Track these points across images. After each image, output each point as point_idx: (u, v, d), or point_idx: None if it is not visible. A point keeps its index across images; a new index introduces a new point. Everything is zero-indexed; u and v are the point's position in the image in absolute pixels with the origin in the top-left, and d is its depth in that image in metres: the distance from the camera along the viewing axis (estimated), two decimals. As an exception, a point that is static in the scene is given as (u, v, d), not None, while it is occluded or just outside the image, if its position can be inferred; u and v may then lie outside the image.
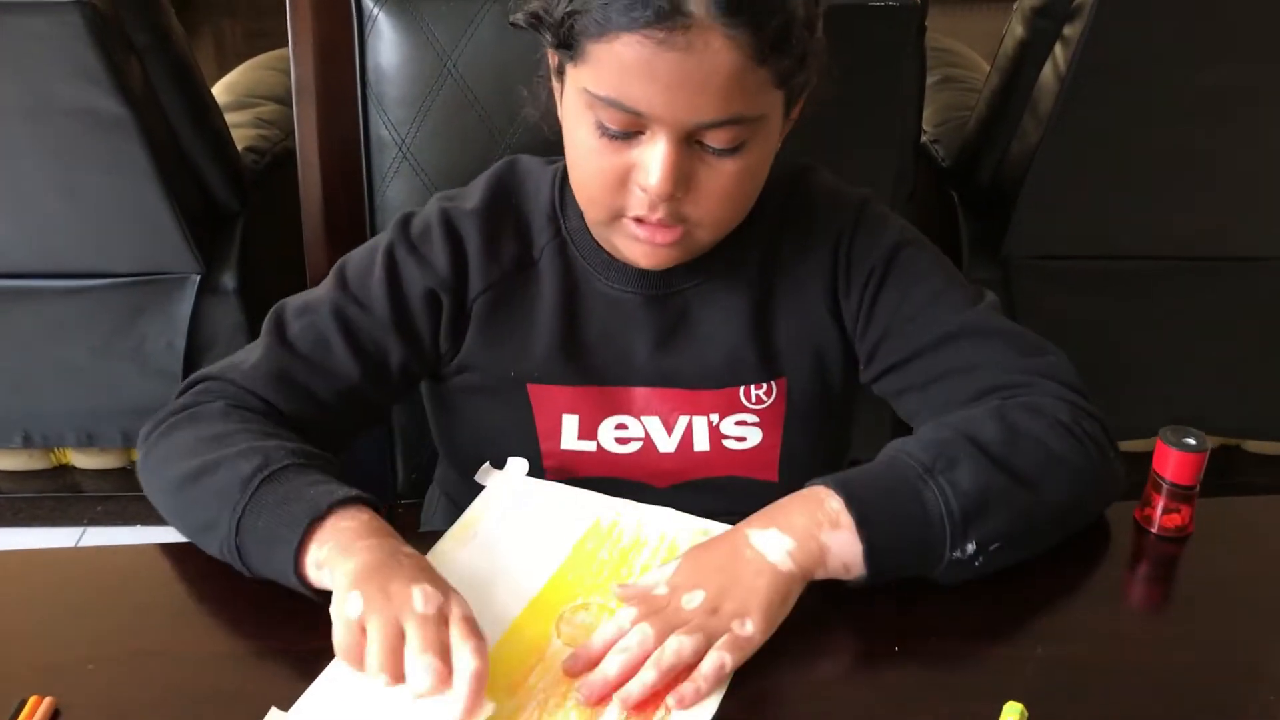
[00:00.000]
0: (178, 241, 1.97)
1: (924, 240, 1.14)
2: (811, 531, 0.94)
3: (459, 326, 1.13)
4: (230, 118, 2.11)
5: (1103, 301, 2.10)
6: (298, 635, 0.91)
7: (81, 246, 1.97)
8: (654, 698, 0.87)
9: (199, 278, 2.02)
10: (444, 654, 0.83)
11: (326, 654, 0.88)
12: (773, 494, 0.98)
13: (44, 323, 2.05)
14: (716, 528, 1.01)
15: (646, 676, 0.87)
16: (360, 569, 0.87)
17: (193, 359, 2.06)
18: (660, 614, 0.91)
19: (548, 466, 1.16)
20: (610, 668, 0.87)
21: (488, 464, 1.11)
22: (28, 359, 2.09)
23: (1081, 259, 2.07)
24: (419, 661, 0.82)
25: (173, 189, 1.89)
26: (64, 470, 2.39)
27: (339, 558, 0.89)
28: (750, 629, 0.90)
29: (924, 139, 2.21)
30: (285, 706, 0.86)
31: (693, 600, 0.92)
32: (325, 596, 0.90)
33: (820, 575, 0.94)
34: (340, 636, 0.85)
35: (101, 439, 2.17)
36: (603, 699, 0.87)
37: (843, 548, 0.93)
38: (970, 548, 0.94)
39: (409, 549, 0.92)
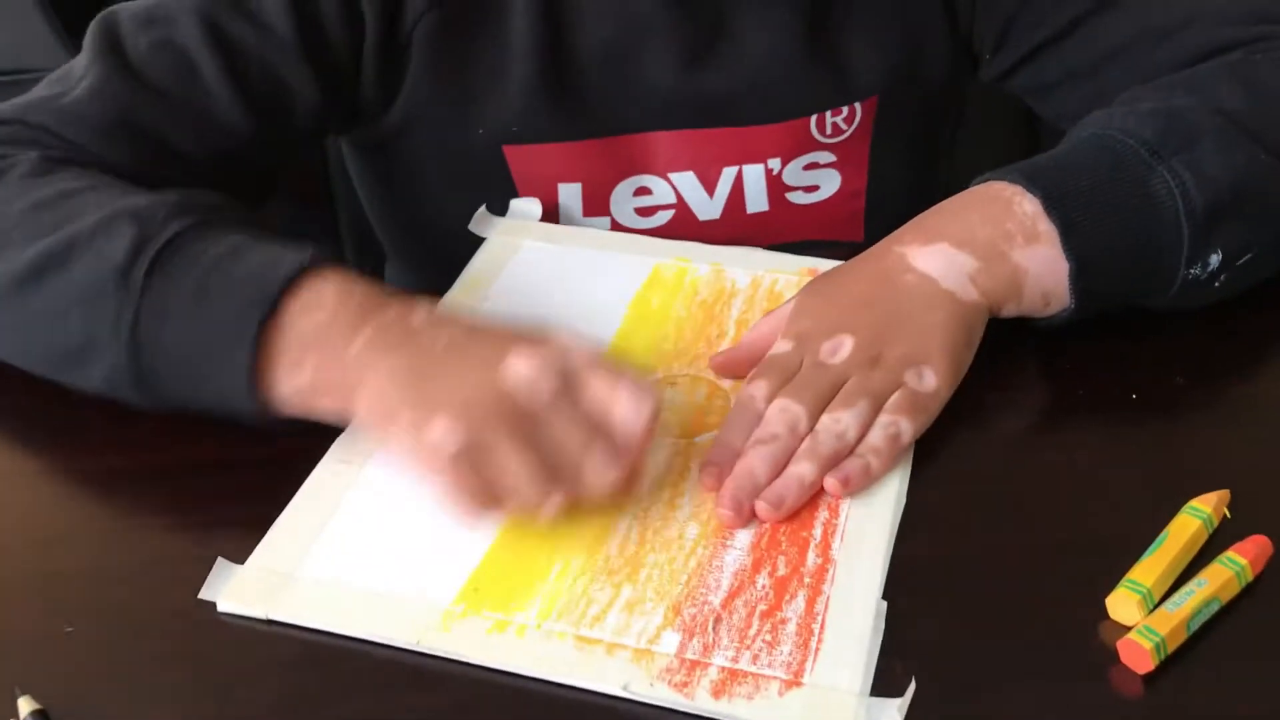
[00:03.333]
0: (44, 33, 1.59)
1: None
2: (999, 247, 0.64)
3: (393, 61, 0.77)
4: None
5: None
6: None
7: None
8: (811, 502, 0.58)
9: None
10: (602, 431, 0.55)
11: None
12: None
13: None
14: (830, 266, 0.71)
15: (803, 472, 0.58)
16: (402, 377, 0.56)
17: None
18: (802, 381, 0.61)
19: None
20: (757, 466, 0.58)
21: (484, 209, 0.79)
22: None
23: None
24: (592, 467, 0.54)
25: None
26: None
27: (348, 374, 0.57)
28: (932, 381, 0.61)
29: None
30: (239, 556, 0.56)
31: (838, 351, 0.62)
32: (303, 425, 0.59)
33: (1010, 311, 0.66)
34: (457, 490, 0.54)
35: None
36: (747, 511, 0.57)
37: (1044, 269, 0.64)
38: (1214, 261, 0.65)
39: (425, 307, 0.60)
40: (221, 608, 0.53)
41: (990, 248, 0.64)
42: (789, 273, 0.73)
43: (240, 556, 0.55)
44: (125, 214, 0.61)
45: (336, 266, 0.60)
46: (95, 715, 0.50)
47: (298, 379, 0.58)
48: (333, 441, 0.61)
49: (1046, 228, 0.64)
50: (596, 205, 0.83)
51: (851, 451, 0.59)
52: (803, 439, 0.59)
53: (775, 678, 0.50)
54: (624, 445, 0.55)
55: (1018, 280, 0.64)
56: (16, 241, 0.62)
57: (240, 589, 0.54)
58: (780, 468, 0.58)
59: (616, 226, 0.84)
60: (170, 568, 0.56)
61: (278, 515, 0.57)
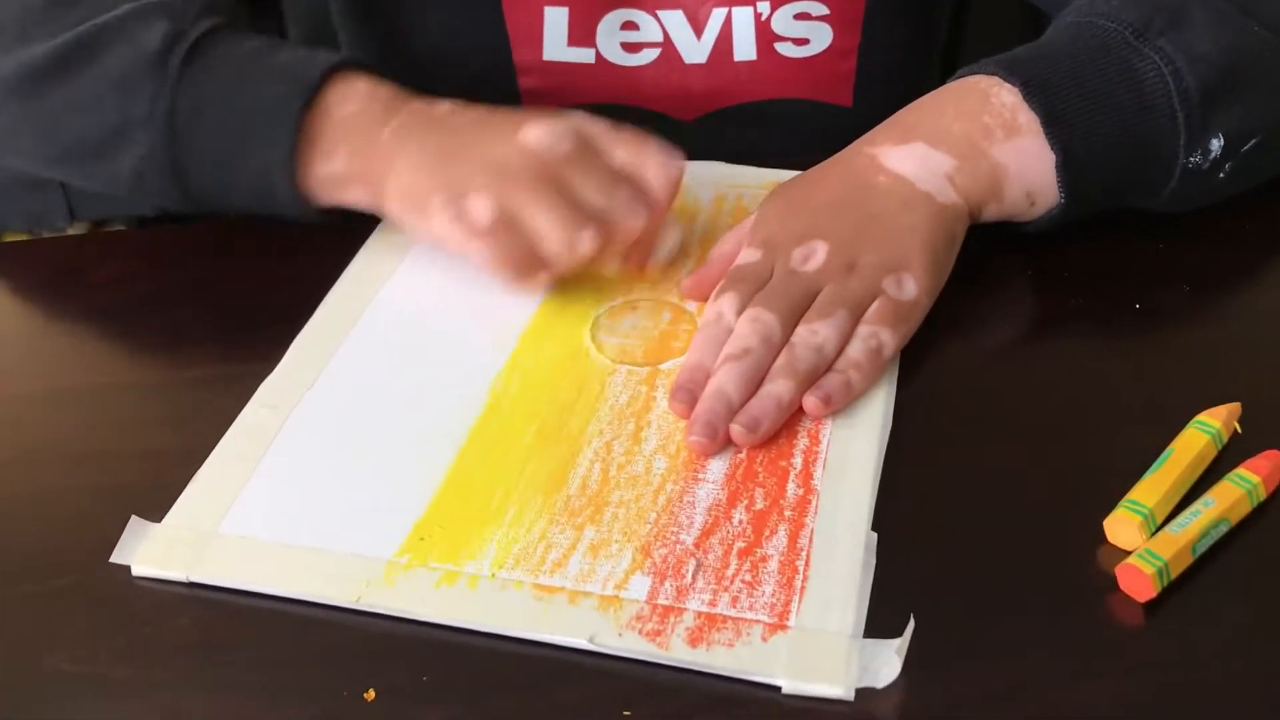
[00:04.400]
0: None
1: None
2: (977, 143, 0.60)
3: None
4: None
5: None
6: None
7: None
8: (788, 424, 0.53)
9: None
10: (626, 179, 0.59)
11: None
12: (847, 125, 0.65)
13: None
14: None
15: (779, 391, 0.53)
16: (431, 161, 0.60)
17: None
18: (774, 290, 0.57)
19: (525, 86, 0.79)
20: (730, 385, 0.53)
21: None
22: None
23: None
24: (620, 206, 0.58)
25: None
26: None
27: (377, 161, 0.61)
28: (912, 289, 0.56)
29: None
30: (152, 488, 0.50)
31: (810, 258, 0.57)
32: (335, 216, 0.63)
33: (991, 214, 0.61)
34: (498, 256, 0.58)
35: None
36: (722, 436, 0.52)
37: (1026, 164, 0.60)
38: (1214, 147, 0.60)
39: (448, 101, 0.63)
40: (136, 572, 0.48)
41: (968, 144, 0.60)
42: (754, 187, 0.68)
43: (153, 489, 0.50)
44: (155, 6, 0.62)
45: (366, 68, 0.64)
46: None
47: (330, 166, 0.61)
48: (259, 374, 0.56)
49: (1027, 118, 0.59)
50: (582, 35, 0.79)
51: (830, 367, 0.54)
52: (777, 352, 0.54)
53: (758, 621, 0.45)
54: (653, 192, 0.58)
55: (998, 178, 0.60)
56: (34, 35, 0.63)
57: (157, 551, 0.48)
58: (755, 386, 0.53)
59: (600, 60, 0.79)
60: (76, 500, 0.51)
61: (196, 446, 0.52)
